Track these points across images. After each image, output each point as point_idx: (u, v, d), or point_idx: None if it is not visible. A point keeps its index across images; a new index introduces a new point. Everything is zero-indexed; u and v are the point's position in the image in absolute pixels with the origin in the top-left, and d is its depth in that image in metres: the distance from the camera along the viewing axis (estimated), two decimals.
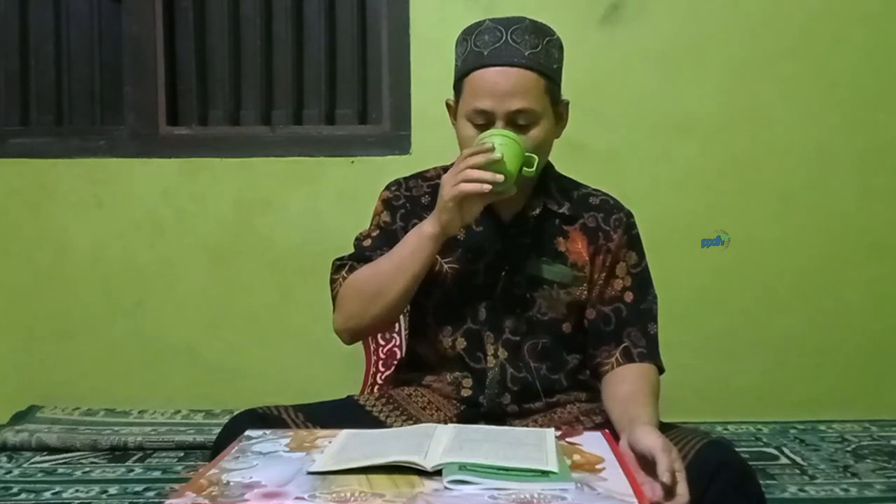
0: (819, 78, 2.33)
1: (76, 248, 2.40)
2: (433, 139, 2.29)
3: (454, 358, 1.26)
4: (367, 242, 1.31)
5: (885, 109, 2.34)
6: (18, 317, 2.41)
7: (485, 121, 1.19)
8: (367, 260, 1.27)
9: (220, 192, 2.39)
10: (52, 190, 2.40)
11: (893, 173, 2.35)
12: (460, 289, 1.26)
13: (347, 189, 2.34)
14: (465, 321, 1.26)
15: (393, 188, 1.34)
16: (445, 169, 1.33)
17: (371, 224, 1.34)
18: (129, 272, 2.39)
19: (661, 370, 1.24)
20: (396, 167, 2.22)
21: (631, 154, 2.33)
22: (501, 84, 1.17)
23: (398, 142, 2.38)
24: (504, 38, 1.18)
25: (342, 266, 1.29)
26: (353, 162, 2.37)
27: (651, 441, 0.93)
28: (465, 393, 1.24)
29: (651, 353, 1.23)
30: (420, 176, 1.36)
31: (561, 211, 1.28)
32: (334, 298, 1.29)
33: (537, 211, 1.27)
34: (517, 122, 1.18)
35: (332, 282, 1.29)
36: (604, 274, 1.27)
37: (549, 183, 1.29)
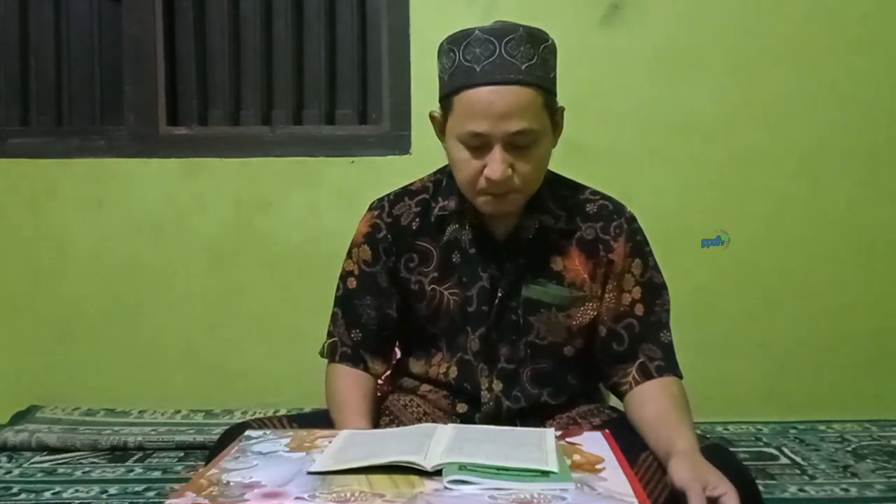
0: (819, 78, 2.33)
1: (76, 248, 2.40)
2: (433, 139, 2.25)
3: (447, 383, 1.22)
4: (352, 284, 1.23)
5: (885, 109, 2.34)
6: (18, 317, 2.41)
7: (480, 143, 1.09)
8: (356, 312, 1.22)
9: (220, 192, 2.39)
10: (52, 190, 2.39)
11: (893, 173, 2.35)
12: (461, 316, 1.20)
13: (347, 189, 2.34)
14: (458, 351, 1.21)
15: (376, 213, 1.24)
16: (433, 180, 1.27)
17: (352, 254, 1.25)
18: (130, 272, 2.39)
19: (679, 377, 1.18)
20: (396, 167, 2.23)
21: (631, 154, 2.33)
22: (498, 104, 1.06)
23: (398, 142, 2.37)
24: (497, 51, 1.06)
25: (334, 319, 1.25)
26: (353, 162, 2.37)
27: (680, 476, 0.91)
28: (461, 409, 1.21)
29: (669, 364, 1.17)
30: (406, 192, 1.26)
31: (558, 226, 1.19)
32: (322, 354, 1.26)
33: (532, 233, 1.18)
34: (516, 143, 1.08)
35: (328, 335, 1.26)
36: (610, 288, 1.19)
37: (544, 193, 1.19)
